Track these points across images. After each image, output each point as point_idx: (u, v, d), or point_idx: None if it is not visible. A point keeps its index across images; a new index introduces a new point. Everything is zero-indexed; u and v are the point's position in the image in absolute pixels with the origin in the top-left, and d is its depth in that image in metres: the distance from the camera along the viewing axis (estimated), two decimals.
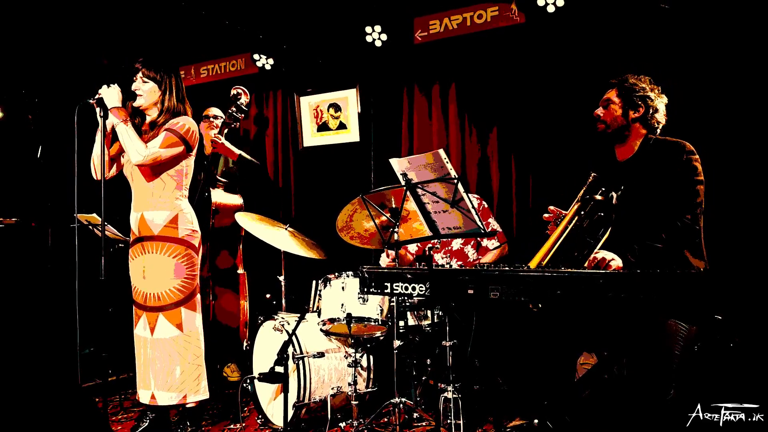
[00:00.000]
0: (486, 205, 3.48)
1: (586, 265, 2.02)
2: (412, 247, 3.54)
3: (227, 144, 3.87)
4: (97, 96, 2.65)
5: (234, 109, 3.88)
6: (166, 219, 2.74)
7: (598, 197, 2.11)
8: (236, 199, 3.98)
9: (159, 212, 2.75)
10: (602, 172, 2.27)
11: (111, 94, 2.65)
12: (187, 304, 2.76)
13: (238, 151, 3.93)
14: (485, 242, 3.42)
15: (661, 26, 3.19)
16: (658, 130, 2.32)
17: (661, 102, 2.31)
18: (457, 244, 3.44)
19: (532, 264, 2.01)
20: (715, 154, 2.27)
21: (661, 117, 2.31)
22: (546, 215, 2.27)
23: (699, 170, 2.17)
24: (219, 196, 3.89)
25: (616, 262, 2.01)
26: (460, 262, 3.41)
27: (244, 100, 3.93)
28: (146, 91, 2.74)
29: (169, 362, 2.72)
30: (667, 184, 2.16)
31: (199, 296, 2.83)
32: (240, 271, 3.97)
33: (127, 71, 2.82)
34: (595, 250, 2.03)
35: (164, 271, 2.73)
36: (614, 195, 2.19)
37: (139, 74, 2.75)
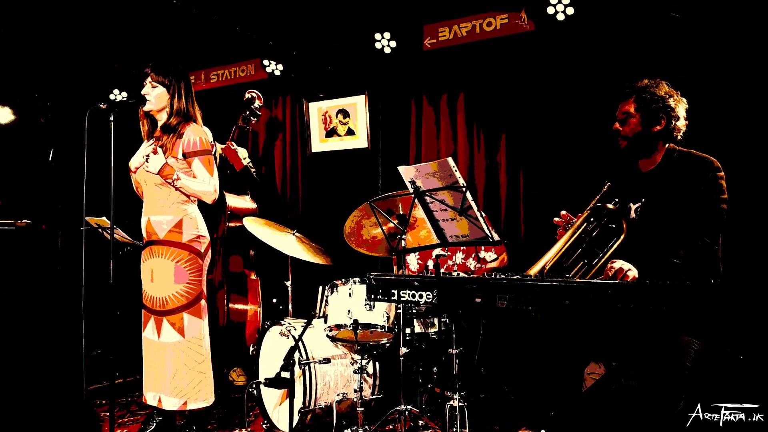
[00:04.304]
0: (485, 215, 3.47)
1: (602, 275, 2.00)
2: (414, 265, 3.53)
3: (238, 152, 3.88)
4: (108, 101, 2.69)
5: (248, 112, 3.91)
6: (170, 223, 2.77)
7: (610, 206, 2.09)
8: (249, 203, 3.99)
9: (164, 216, 2.77)
10: (622, 182, 2.22)
11: (155, 161, 2.69)
12: (190, 310, 2.77)
13: (245, 163, 3.93)
14: (482, 253, 3.42)
15: (672, 34, 3.17)
16: (679, 137, 2.22)
17: (681, 107, 2.20)
18: (459, 258, 3.44)
19: (535, 268, 2.00)
20: (731, 162, 2.22)
21: (682, 124, 2.21)
22: (556, 219, 2.24)
23: (724, 188, 2.10)
24: (233, 199, 3.90)
25: (633, 272, 1.98)
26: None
27: (257, 104, 3.96)
28: (155, 95, 2.77)
29: (172, 366, 2.73)
30: (690, 201, 2.09)
31: (204, 302, 2.83)
32: (252, 277, 3.97)
33: (138, 76, 2.86)
34: (612, 260, 2.00)
35: (168, 275, 2.75)
36: (632, 206, 2.16)
37: (148, 79, 2.78)
